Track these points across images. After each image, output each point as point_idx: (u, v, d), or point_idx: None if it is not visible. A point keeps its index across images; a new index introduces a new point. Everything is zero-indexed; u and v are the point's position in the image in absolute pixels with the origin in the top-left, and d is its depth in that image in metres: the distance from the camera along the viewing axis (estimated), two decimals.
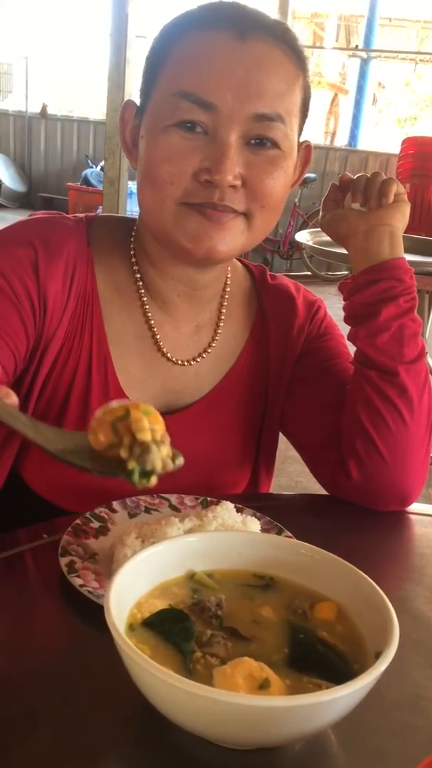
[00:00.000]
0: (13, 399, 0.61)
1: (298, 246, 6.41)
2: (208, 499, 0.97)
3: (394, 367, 1.01)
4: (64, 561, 0.80)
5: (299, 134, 0.96)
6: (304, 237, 3.35)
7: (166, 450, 0.58)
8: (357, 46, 11.53)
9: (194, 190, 0.90)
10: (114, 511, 0.92)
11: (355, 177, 1.11)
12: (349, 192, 1.11)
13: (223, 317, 1.10)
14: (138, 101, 0.98)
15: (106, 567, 0.81)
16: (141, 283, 1.04)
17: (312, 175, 7.65)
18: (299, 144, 0.98)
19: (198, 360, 1.08)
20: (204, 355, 1.08)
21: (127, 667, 0.56)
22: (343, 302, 1.08)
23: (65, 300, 0.99)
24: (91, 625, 0.70)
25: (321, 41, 14.83)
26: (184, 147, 0.88)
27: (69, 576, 0.78)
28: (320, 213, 1.14)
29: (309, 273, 7.58)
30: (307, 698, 0.52)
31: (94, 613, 0.68)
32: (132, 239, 1.05)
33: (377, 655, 0.56)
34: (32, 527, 0.92)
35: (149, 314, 1.04)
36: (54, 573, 0.79)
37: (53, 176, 10.24)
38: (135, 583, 0.64)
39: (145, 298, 1.04)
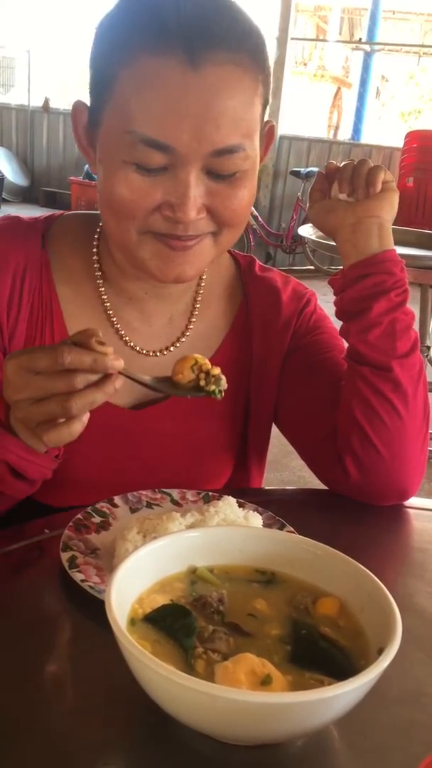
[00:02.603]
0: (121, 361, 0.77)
1: (300, 240, 6.40)
2: (210, 494, 0.97)
3: (387, 363, 0.99)
4: (65, 556, 0.80)
5: (261, 120, 0.91)
6: (306, 231, 3.34)
7: (224, 379, 0.84)
8: (360, 39, 11.50)
9: (157, 223, 0.88)
10: (115, 506, 0.92)
11: (341, 165, 1.08)
12: (335, 181, 1.08)
13: (197, 307, 1.08)
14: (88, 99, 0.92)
15: (108, 562, 0.81)
16: (101, 281, 1.03)
17: (315, 170, 7.65)
18: (262, 127, 0.93)
19: (171, 350, 1.06)
20: (177, 345, 1.07)
21: (128, 662, 0.55)
22: (334, 297, 1.06)
23: (17, 310, 0.99)
24: (93, 621, 0.70)
25: (324, 34, 14.78)
26: (144, 184, 0.85)
27: (70, 571, 0.77)
28: (308, 204, 1.12)
29: (311, 267, 7.56)
30: (309, 695, 0.51)
31: (95, 608, 0.67)
32: (96, 237, 1.04)
33: (380, 651, 0.56)
34: (33, 522, 0.92)
35: (110, 312, 1.03)
36: (55, 568, 0.79)
37: (55, 170, 10.23)
38: (136, 579, 0.64)
39: (105, 296, 1.03)
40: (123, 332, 1.04)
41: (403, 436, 1.00)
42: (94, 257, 1.04)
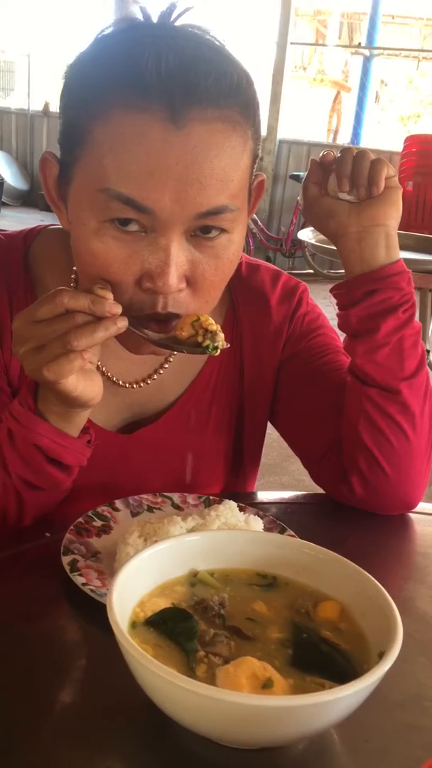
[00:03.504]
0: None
1: (300, 244, 6.40)
2: (211, 497, 0.97)
3: (395, 386, 0.97)
4: (66, 560, 0.80)
5: (251, 177, 0.86)
6: (306, 235, 3.35)
7: (222, 335, 0.85)
8: (360, 43, 11.49)
9: (138, 301, 0.82)
10: (116, 509, 0.92)
11: (339, 155, 0.99)
12: (332, 173, 1.00)
13: None
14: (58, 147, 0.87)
15: (109, 566, 0.81)
16: None
17: None
18: (252, 181, 0.87)
19: (156, 377, 1.03)
20: (161, 371, 1.03)
21: (129, 666, 0.56)
22: (337, 310, 1.02)
23: (10, 338, 0.93)
24: (94, 624, 0.70)
25: (324, 39, 14.79)
26: (122, 252, 0.79)
27: (71, 575, 0.77)
28: (301, 196, 1.05)
29: (311, 271, 7.57)
30: (310, 698, 0.51)
31: (96, 611, 0.68)
32: (75, 268, 0.97)
33: (381, 655, 0.56)
34: (34, 526, 0.92)
35: None
36: (56, 572, 0.79)
37: None
38: (137, 582, 0.64)
39: None
40: (104, 367, 1.00)
41: (410, 456, 0.99)
42: (72, 284, 0.98)
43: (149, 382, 1.03)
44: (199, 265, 0.82)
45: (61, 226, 0.99)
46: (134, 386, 1.02)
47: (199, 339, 0.83)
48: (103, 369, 1.00)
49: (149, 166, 0.75)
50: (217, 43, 0.81)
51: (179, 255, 0.80)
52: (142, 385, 1.03)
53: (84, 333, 0.75)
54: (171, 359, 1.03)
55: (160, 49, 0.75)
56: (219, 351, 0.84)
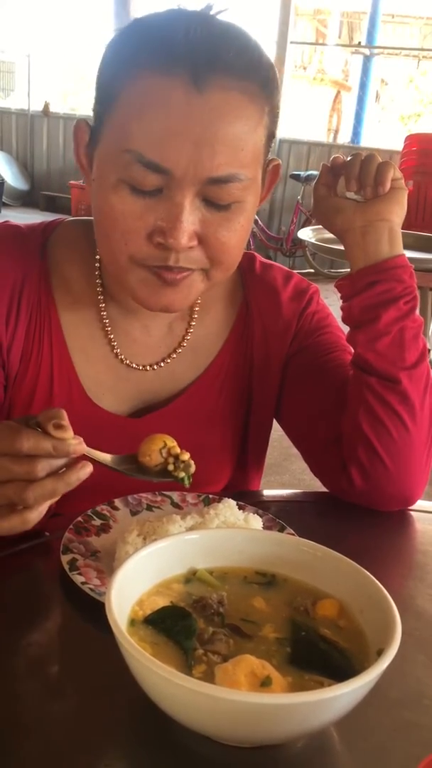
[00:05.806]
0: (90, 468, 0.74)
1: (300, 243, 6.40)
2: (210, 496, 0.97)
3: (395, 375, 0.98)
4: (65, 558, 0.80)
5: (266, 157, 0.90)
6: (306, 234, 3.36)
7: (193, 464, 0.81)
8: (360, 42, 11.50)
9: (148, 253, 0.85)
10: (116, 508, 0.92)
11: (348, 158, 1.04)
12: (341, 176, 1.04)
13: (197, 310, 1.06)
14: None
15: (108, 564, 0.81)
16: (100, 290, 1.01)
17: (315, 173, 7.63)
18: (267, 164, 0.91)
19: (168, 361, 1.05)
20: (174, 356, 1.05)
21: (128, 664, 0.56)
22: (341, 302, 1.04)
23: (14, 322, 0.98)
24: (93, 623, 0.70)
25: (324, 38, 14.80)
26: (137, 207, 0.83)
27: (71, 573, 0.78)
28: (312, 200, 1.09)
29: (312, 270, 7.57)
30: (308, 696, 0.51)
31: (95, 610, 0.68)
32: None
33: (379, 653, 0.56)
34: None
35: (106, 321, 1.01)
36: (56, 570, 0.80)
37: (56, 174, 10.23)
38: (136, 581, 0.64)
39: (103, 305, 1.01)
40: (118, 349, 1.02)
41: (410, 448, 0.99)
42: (96, 272, 1.01)
43: (162, 365, 1.05)
44: (210, 224, 0.85)
45: (81, 219, 1.05)
46: (146, 369, 1.04)
47: (170, 468, 0.80)
48: (117, 351, 1.03)
49: (170, 127, 0.80)
50: (246, 31, 0.86)
51: (190, 213, 0.83)
52: (155, 367, 1.05)
53: (43, 488, 0.71)
54: (184, 344, 1.06)
55: (191, 23, 0.82)
56: (191, 480, 0.81)
